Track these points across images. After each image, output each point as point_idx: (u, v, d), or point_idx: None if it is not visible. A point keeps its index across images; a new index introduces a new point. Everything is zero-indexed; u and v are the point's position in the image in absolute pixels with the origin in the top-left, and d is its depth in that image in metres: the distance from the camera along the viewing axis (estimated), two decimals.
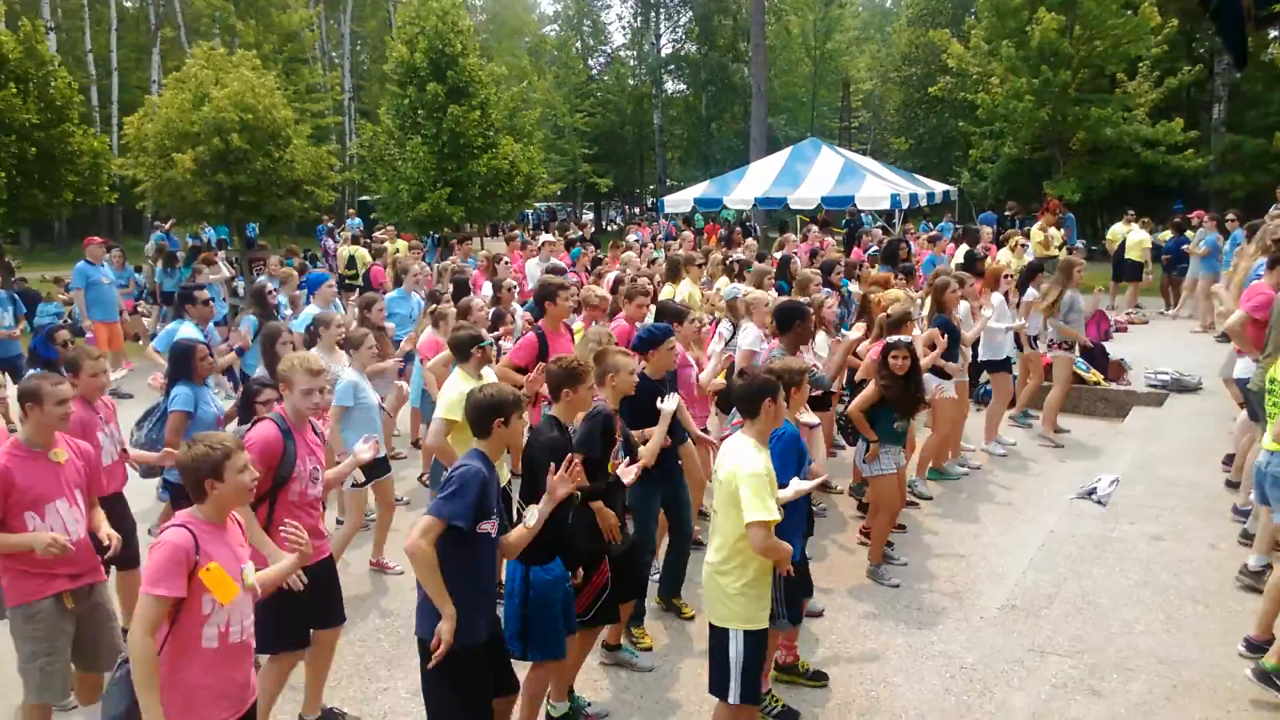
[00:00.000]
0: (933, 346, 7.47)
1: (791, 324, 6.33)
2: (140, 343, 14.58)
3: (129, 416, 6.15)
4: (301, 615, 4.50)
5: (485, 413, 3.87)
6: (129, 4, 40.52)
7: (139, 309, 16.08)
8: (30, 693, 4.34)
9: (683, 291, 9.72)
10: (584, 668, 5.14)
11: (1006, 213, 20.31)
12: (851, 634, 5.85)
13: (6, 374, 10.71)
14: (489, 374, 6.07)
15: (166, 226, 22.32)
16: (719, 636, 4.16)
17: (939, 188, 23.55)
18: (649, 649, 5.64)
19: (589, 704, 5.04)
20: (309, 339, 7.25)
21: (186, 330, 7.91)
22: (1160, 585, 6.16)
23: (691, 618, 6.04)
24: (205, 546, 3.28)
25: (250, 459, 3.50)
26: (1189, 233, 16.59)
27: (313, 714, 4.87)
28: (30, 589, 4.23)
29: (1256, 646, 5.17)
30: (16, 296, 11.66)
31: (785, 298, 7.73)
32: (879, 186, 19.68)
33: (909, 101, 36.37)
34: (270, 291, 9.59)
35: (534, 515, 3.94)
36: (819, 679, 5.28)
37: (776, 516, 3.96)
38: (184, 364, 6.05)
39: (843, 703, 5.10)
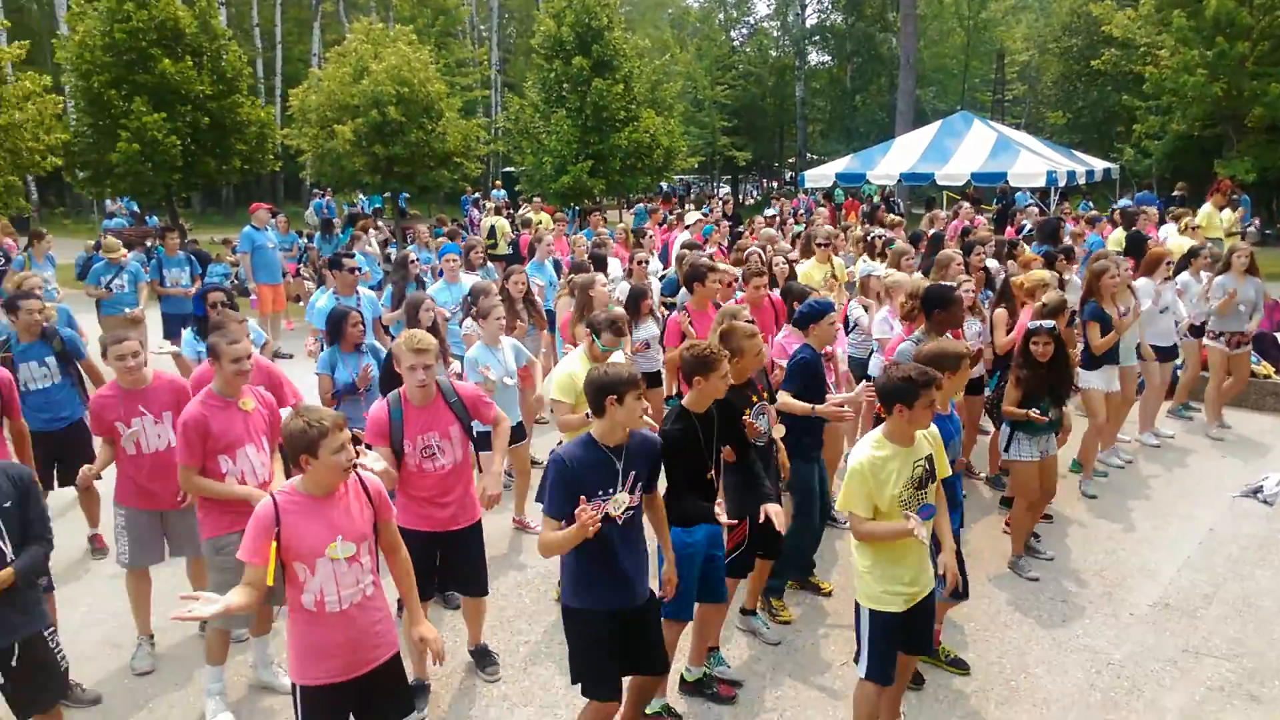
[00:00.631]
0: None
1: (932, 311, 6.05)
2: (300, 304, 15.43)
3: (293, 376, 6.48)
4: (435, 575, 4.77)
5: (599, 390, 3.84)
6: None
7: (300, 272, 17.00)
8: (214, 618, 4.72)
9: (810, 267, 9.52)
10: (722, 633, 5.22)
11: (1175, 192, 19.13)
12: (991, 622, 5.74)
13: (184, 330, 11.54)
14: (619, 356, 5.90)
15: (325, 195, 23.53)
16: (856, 609, 4.25)
17: (1099, 165, 22.41)
18: (788, 622, 5.69)
19: (727, 665, 5.12)
20: (466, 307, 7.50)
21: (327, 299, 8.15)
22: None
23: (829, 593, 6.06)
24: (289, 518, 3.43)
25: (349, 438, 3.54)
26: None
27: (473, 644, 5.27)
28: (222, 524, 4.64)
29: None
30: (193, 257, 12.50)
31: (928, 280, 7.43)
32: (1034, 163, 18.90)
33: (1068, 74, 34.58)
34: (414, 261, 9.95)
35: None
36: (959, 666, 5.21)
37: (861, 514, 4.05)
38: (336, 329, 6.39)
39: (980, 690, 5.03)
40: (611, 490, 3.87)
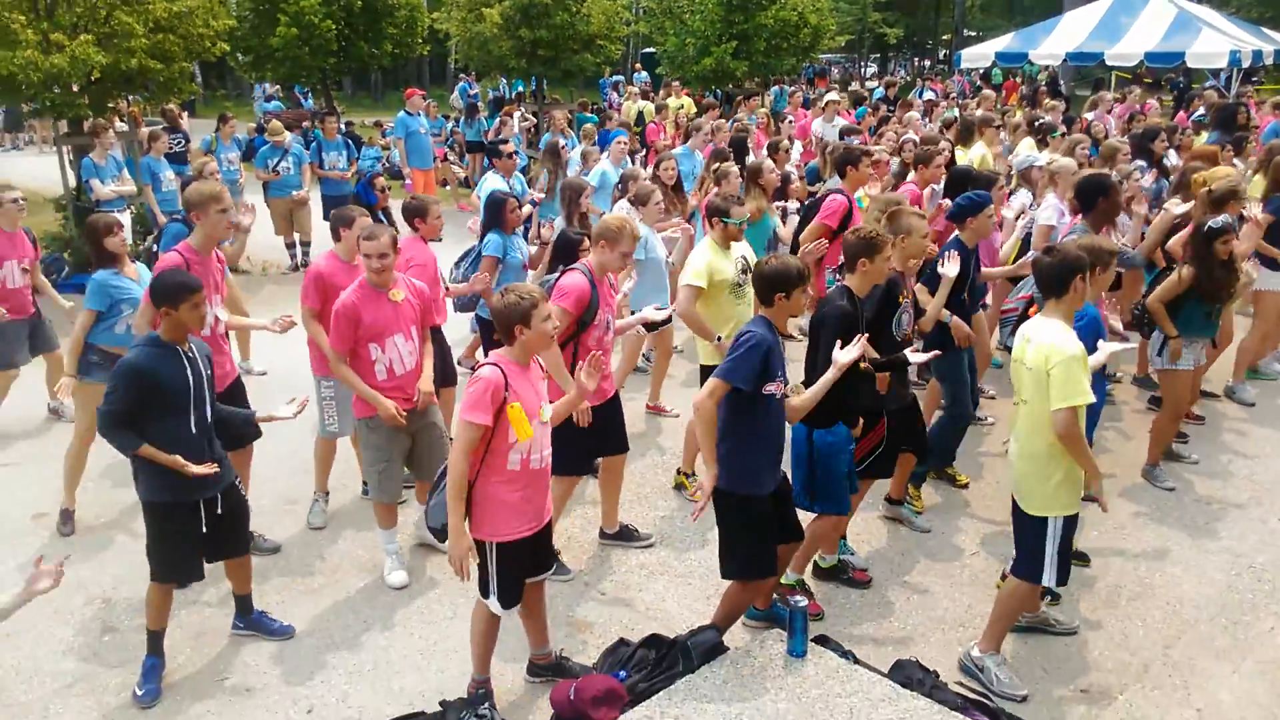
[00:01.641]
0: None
1: (1095, 200, 5.79)
2: (448, 188, 15.93)
3: (442, 259, 6.73)
4: (586, 445, 5.04)
5: (770, 283, 4.03)
6: None
7: (448, 157, 17.47)
8: (372, 491, 5.24)
9: (974, 155, 9.24)
10: (857, 523, 5.41)
11: None
12: (1129, 521, 5.72)
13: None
14: (741, 247, 5.80)
15: (470, 79, 23.84)
16: (1037, 525, 4.08)
17: None
18: (921, 512, 5.79)
19: (853, 551, 5.32)
20: (619, 193, 7.68)
21: (494, 180, 8.57)
22: None
23: (966, 485, 6.15)
24: (513, 384, 3.75)
25: (556, 309, 3.90)
26: None
27: (611, 527, 5.55)
28: (370, 408, 4.95)
29: None
30: (350, 141, 13.05)
31: (1089, 171, 7.00)
32: (1216, 41, 17.41)
33: None
34: (563, 147, 10.15)
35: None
36: (1081, 559, 5.19)
37: (1090, 398, 3.86)
38: (497, 214, 6.67)
39: (1113, 585, 5.07)
40: (783, 372, 4.08)
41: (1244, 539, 5.48)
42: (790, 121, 12.89)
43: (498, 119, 15.85)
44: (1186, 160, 8.14)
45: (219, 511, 4.31)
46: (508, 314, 3.74)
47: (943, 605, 4.95)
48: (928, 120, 13.66)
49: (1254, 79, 19.51)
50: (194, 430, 4.15)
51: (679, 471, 6.22)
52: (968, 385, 5.79)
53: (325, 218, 11.25)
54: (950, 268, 5.32)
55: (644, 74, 26.44)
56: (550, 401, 4.04)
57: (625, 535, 5.54)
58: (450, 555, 3.80)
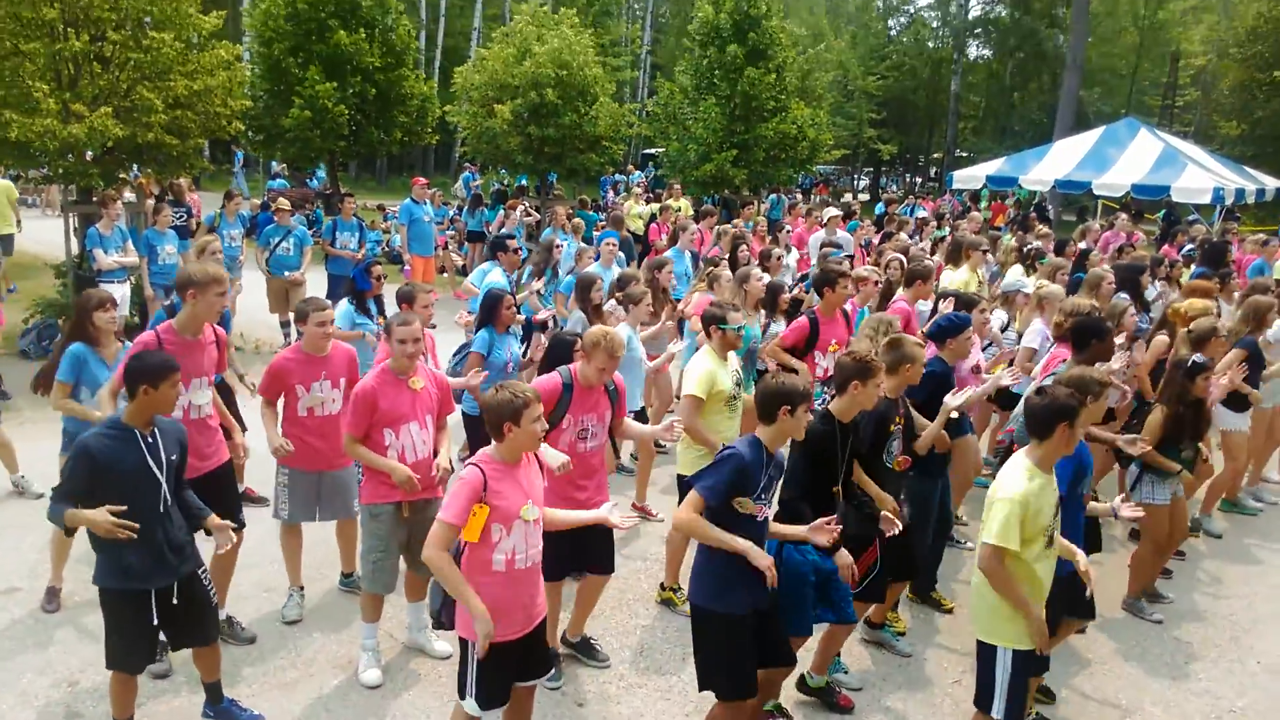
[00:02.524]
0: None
1: (1089, 341, 5.82)
2: (445, 275, 16.13)
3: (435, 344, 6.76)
4: (567, 555, 4.90)
5: (772, 399, 4.03)
6: None
7: (448, 245, 17.71)
8: (363, 580, 5.20)
9: (958, 279, 9.26)
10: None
11: None
12: (1110, 658, 5.71)
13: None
14: (735, 359, 5.91)
15: (476, 170, 24.32)
16: (987, 652, 4.10)
17: (1271, 182, 21.14)
18: (902, 634, 5.76)
19: (846, 671, 5.29)
20: (610, 294, 7.80)
21: (495, 275, 8.67)
22: None
23: (950, 610, 6.13)
24: (494, 484, 3.78)
25: (542, 410, 3.89)
26: None
27: (575, 636, 5.47)
28: (379, 493, 5.02)
29: None
30: (364, 225, 13.26)
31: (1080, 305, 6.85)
32: (1200, 177, 18.00)
33: (1248, 82, 32.45)
34: (558, 245, 10.27)
35: None
36: (1045, 695, 5.16)
37: (1010, 546, 3.87)
38: (491, 311, 6.75)
39: None
40: (766, 496, 4.07)
41: (1224, 682, 5.46)
42: (788, 230, 13.18)
43: (500, 211, 16.11)
44: (1184, 295, 8.25)
45: (174, 601, 4.19)
46: (499, 411, 3.79)
47: None
48: (918, 238, 13.96)
49: (1236, 216, 20.09)
50: (149, 518, 4.04)
51: (663, 586, 6.15)
52: (931, 509, 5.76)
53: (329, 295, 11.43)
54: (956, 399, 5.29)
55: (639, 174, 26.96)
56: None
57: (586, 649, 5.45)
58: (481, 636, 3.75)
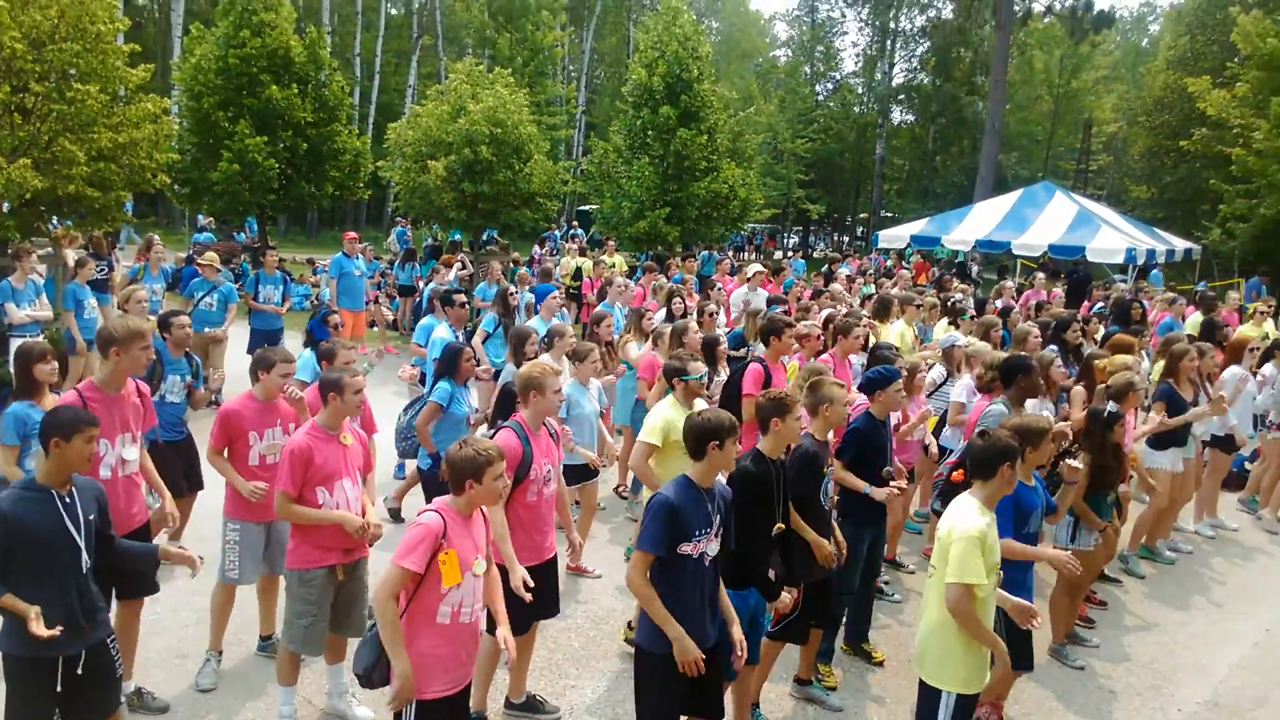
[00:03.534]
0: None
1: (1015, 378, 6.12)
2: (375, 329, 15.97)
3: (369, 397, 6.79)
4: (526, 606, 4.79)
5: (701, 435, 4.04)
6: (394, 11, 43.97)
7: (379, 300, 17.56)
8: (292, 643, 4.99)
9: (892, 332, 9.63)
10: (770, 698, 5.34)
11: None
12: (1037, 708, 5.77)
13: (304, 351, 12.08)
14: (702, 404, 5.99)
15: (408, 225, 24.27)
16: (929, 696, 4.16)
17: (1180, 244, 22.12)
18: (833, 689, 5.77)
19: None
20: (544, 348, 7.79)
21: (442, 331, 8.68)
22: None
23: (881, 662, 6.14)
24: (451, 533, 3.75)
25: (504, 467, 3.90)
26: None
27: (518, 697, 5.34)
28: (311, 558, 4.86)
29: None
30: (288, 278, 13.07)
31: (998, 357, 7.25)
32: (1114, 238, 18.78)
33: (1156, 149, 34.14)
34: (512, 294, 10.37)
35: None
36: None
37: (980, 581, 3.95)
38: (452, 364, 6.76)
39: None
40: (706, 531, 4.05)
41: None
42: (719, 289, 13.34)
43: (432, 266, 16.05)
44: (1109, 349, 8.58)
45: (79, 670, 3.96)
46: (462, 467, 3.77)
47: None
48: (849, 294, 14.25)
49: (1149, 277, 20.97)
50: (64, 581, 3.87)
51: (630, 625, 6.07)
52: (860, 561, 5.83)
53: (249, 350, 11.20)
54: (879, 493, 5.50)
55: (580, 230, 27.21)
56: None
57: (532, 707, 5.34)
58: (397, 694, 3.69)
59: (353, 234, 14.68)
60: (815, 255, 43.65)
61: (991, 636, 4.05)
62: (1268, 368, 9.20)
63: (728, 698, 4.92)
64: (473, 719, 4.69)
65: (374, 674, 3.94)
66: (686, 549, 3.99)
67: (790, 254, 31.45)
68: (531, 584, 4.54)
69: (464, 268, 16.48)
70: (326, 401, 4.88)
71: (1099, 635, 6.67)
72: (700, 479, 4.08)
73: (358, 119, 34.99)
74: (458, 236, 22.62)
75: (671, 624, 3.92)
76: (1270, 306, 13.06)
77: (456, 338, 8.50)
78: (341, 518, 4.79)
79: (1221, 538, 8.89)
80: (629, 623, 6.15)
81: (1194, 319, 12.66)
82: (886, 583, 7.25)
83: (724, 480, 4.31)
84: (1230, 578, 7.96)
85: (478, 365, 7.07)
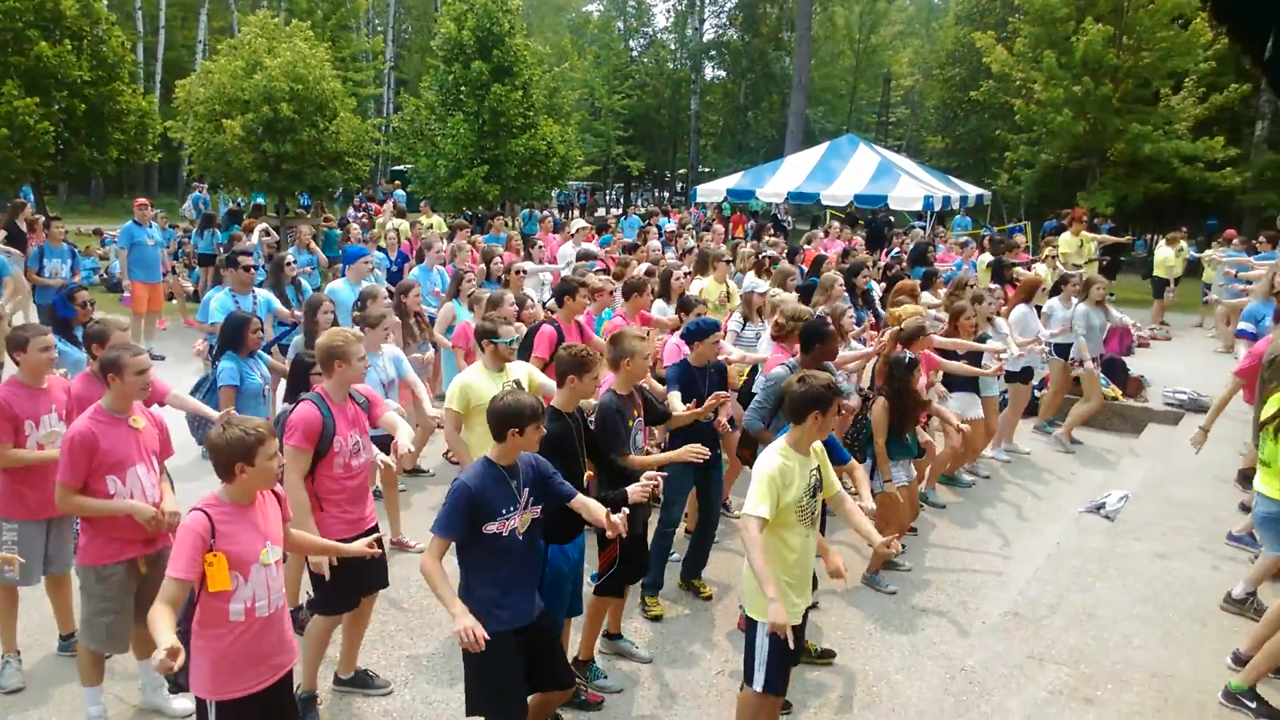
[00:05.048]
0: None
1: (812, 345, 6.23)
2: (174, 302, 14.97)
3: (164, 378, 6.31)
4: (353, 582, 4.71)
5: (502, 420, 3.95)
6: None
7: (175, 270, 16.43)
8: (93, 642, 4.63)
9: (707, 286, 9.79)
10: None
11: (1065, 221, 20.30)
12: (857, 631, 6.09)
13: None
14: (516, 369, 5.96)
15: (204, 189, 22.77)
16: (751, 627, 4.33)
17: (973, 190, 23.55)
18: (658, 617, 5.96)
19: (605, 675, 5.32)
20: (357, 312, 7.47)
21: (222, 297, 8.09)
22: (1160, 602, 6.34)
23: (709, 597, 6.35)
24: (223, 528, 3.49)
25: (288, 448, 3.68)
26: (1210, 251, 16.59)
27: (347, 673, 5.17)
28: (108, 552, 4.49)
29: (1242, 660, 5.36)
30: (75, 251, 12.02)
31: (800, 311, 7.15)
32: (913, 187, 19.77)
33: (949, 101, 36.22)
34: (289, 264, 9.71)
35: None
36: (827, 656, 5.63)
37: (760, 514, 4.08)
38: (236, 336, 6.31)
39: (844, 696, 5.34)
40: (513, 508, 3.97)
41: (955, 643, 5.95)
42: (541, 246, 13.23)
43: (233, 232, 15.10)
44: (894, 294, 9.05)
45: None
46: (228, 450, 3.50)
47: None
48: (672, 249, 14.47)
49: (954, 222, 22.32)
50: None
51: None
52: (684, 497, 6.08)
53: None
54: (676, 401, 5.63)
55: (402, 193, 26.26)
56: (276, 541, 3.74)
57: (362, 681, 5.19)
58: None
59: (144, 200, 13.63)
60: (637, 213, 44.03)
61: (765, 574, 4.05)
62: (1052, 301, 9.96)
63: None
64: (300, 699, 4.53)
65: (179, 676, 3.74)
66: (493, 528, 3.90)
67: (627, 212, 31.54)
68: (375, 551, 4.33)
69: (268, 233, 15.62)
70: (108, 383, 4.50)
71: (909, 559, 7.10)
72: (501, 458, 4.00)
73: (143, 77, 32.43)
74: (261, 200, 21.39)
75: (453, 602, 3.80)
76: (1054, 248, 14.14)
77: (237, 304, 8.00)
78: (130, 507, 4.42)
79: (1016, 461, 9.62)
80: None
81: (984, 260, 13.57)
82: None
83: None
84: (1025, 498, 8.64)
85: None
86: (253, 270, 8.44)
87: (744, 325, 8.31)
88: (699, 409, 5.54)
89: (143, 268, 12.76)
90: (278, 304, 8.56)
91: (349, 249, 10.80)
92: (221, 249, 15.52)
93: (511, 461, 4.03)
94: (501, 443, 3.99)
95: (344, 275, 9.52)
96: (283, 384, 6.70)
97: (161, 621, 3.31)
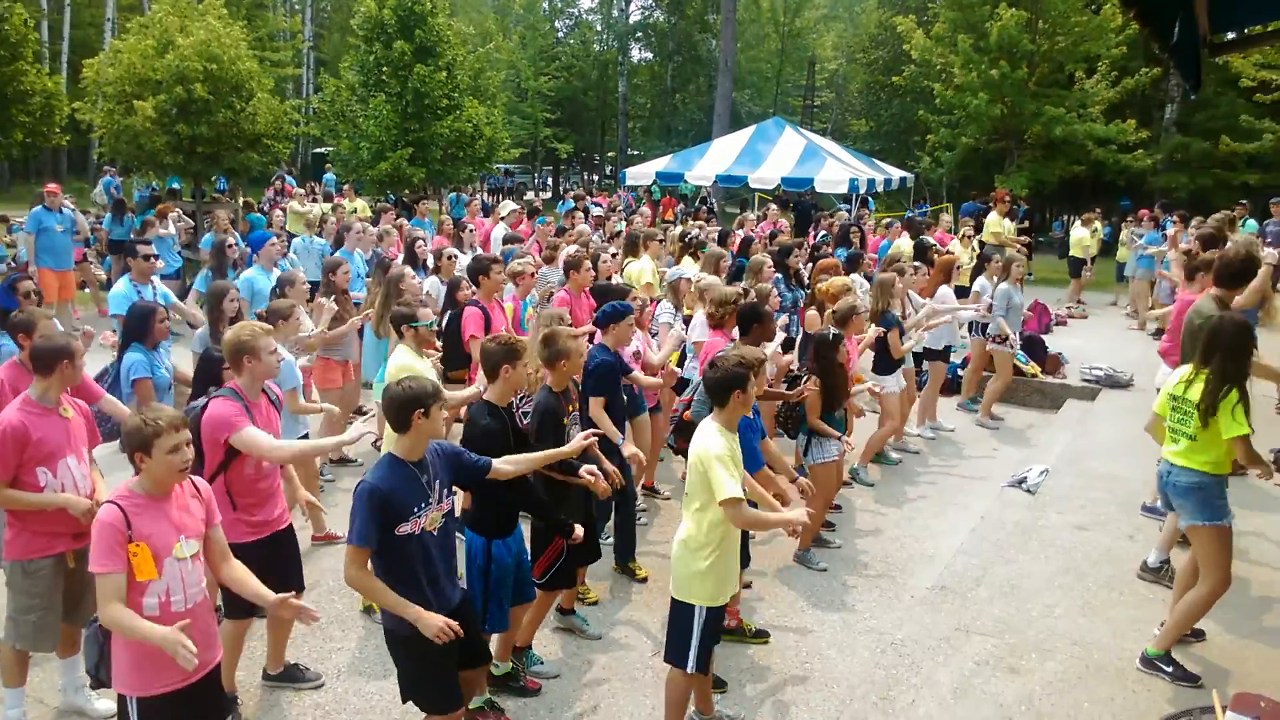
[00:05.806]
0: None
1: (750, 326, 6.37)
2: (87, 291, 14.44)
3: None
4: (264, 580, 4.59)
5: (404, 406, 3.78)
6: None
7: (87, 257, 15.82)
8: (19, 641, 4.47)
9: (640, 266, 9.84)
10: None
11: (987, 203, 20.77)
12: (790, 608, 6.17)
13: None
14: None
15: (116, 173, 21.96)
16: (683, 611, 4.32)
17: (896, 173, 23.93)
18: (595, 603, 5.97)
19: (541, 662, 5.31)
20: (275, 299, 7.28)
21: (123, 287, 7.86)
22: (1080, 572, 6.54)
23: (645, 579, 6.39)
24: (137, 520, 3.38)
25: (189, 438, 3.49)
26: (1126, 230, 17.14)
27: (276, 669, 5.06)
28: (36, 547, 4.34)
29: None
30: None
31: (742, 291, 7.34)
32: (838, 170, 20.00)
33: (873, 84, 36.68)
34: (230, 246, 9.53)
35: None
36: (762, 637, 5.69)
37: (739, 494, 4.10)
38: (142, 327, 6.10)
39: (778, 672, 5.41)
40: (425, 505, 3.85)
41: (884, 617, 6.07)
42: (471, 230, 13.05)
43: (146, 218, 14.57)
44: (817, 272, 9.18)
45: None
46: (130, 438, 3.40)
47: (627, 711, 5.01)
48: (601, 232, 14.40)
49: (870, 205, 22.63)
50: None
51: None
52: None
53: None
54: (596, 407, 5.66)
55: (331, 176, 25.60)
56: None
57: (292, 676, 5.09)
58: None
59: (54, 186, 13.09)
60: (567, 197, 43.74)
61: (771, 520, 4.44)
62: (979, 281, 10.18)
63: (495, 642, 4.94)
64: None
65: (101, 671, 3.62)
66: (406, 529, 3.78)
67: (565, 195, 31.26)
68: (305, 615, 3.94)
69: (181, 218, 15.12)
70: (42, 373, 4.34)
71: (839, 537, 7.21)
72: (408, 453, 3.86)
73: (48, 57, 31.09)
74: (177, 184, 20.69)
75: (407, 607, 3.72)
76: (971, 228, 14.46)
77: (140, 294, 7.72)
78: (65, 500, 4.28)
79: (940, 438, 9.83)
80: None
81: (904, 241, 13.82)
82: (644, 509, 7.49)
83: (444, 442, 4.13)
84: (949, 475, 8.83)
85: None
86: (153, 260, 8.21)
87: (674, 314, 8.28)
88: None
89: (52, 254, 12.28)
90: (174, 298, 8.40)
91: (253, 234, 10.55)
92: (135, 235, 14.99)
93: (419, 455, 3.89)
94: (405, 432, 3.82)
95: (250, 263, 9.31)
96: None
97: (134, 622, 3.30)
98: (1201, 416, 5.04)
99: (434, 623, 3.70)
